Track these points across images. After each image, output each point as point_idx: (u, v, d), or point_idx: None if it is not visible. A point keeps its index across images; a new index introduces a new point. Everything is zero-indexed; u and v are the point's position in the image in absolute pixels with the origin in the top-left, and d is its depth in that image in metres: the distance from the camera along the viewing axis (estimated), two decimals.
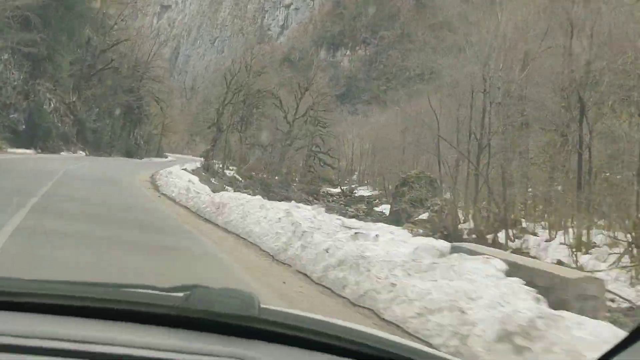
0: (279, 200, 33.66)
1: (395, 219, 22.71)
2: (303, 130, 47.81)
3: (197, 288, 1.12)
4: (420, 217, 20.68)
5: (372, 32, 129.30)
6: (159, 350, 0.98)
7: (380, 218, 25.86)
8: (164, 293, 1.16)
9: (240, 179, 36.48)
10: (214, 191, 14.29)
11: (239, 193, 14.82)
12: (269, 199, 34.60)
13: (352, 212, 38.86)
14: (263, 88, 44.99)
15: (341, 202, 49.14)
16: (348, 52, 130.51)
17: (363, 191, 65.28)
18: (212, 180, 27.77)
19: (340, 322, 1.26)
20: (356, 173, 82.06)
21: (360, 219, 23.63)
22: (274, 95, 46.29)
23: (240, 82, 42.82)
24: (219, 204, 11.56)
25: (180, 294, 1.11)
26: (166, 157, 58.30)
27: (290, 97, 47.65)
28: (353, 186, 69.20)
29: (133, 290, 1.19)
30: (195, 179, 18.57)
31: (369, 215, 35.61)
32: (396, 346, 1.16)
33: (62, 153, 34.29)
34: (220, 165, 38.07)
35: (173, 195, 14.93)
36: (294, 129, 46.63)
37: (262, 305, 1.12)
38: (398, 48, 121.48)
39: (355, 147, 77.59)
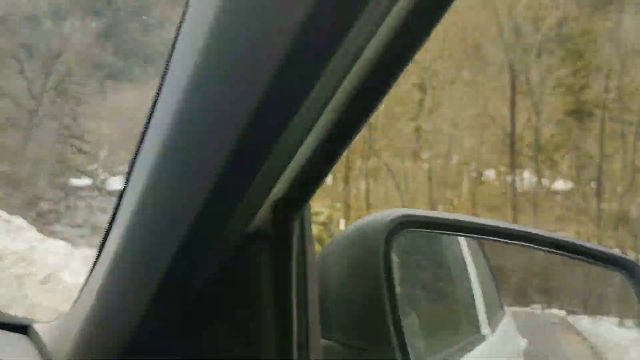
0: (33, 200, 26.58)
1: None
2: (55, 108, 40.24)
3: None
4: None
5: (107, 2, 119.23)
6: None
7: None
8: None
9: None
10: None
11: None
12: (17, 199, 27.27)
13: None
14: None
15: (98, 198, 42.64)
16: (79, 24, 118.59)
17: (119, 183, 58.47)
18: None
19: None
20: (99, 160, 74.06)
21: None
22: (16, 59, 37.73)
23: None
24: None
25: None
26: None
27: (29, 67, 39.64)
28: (103, 177, 61.62)
29: None
30: None
31: None
32: None
33: None
34: None
35: None
36: (43, 105, 38.78)
37: None
38: (138, 22, 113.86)
39: (100, 128, 70.16)
